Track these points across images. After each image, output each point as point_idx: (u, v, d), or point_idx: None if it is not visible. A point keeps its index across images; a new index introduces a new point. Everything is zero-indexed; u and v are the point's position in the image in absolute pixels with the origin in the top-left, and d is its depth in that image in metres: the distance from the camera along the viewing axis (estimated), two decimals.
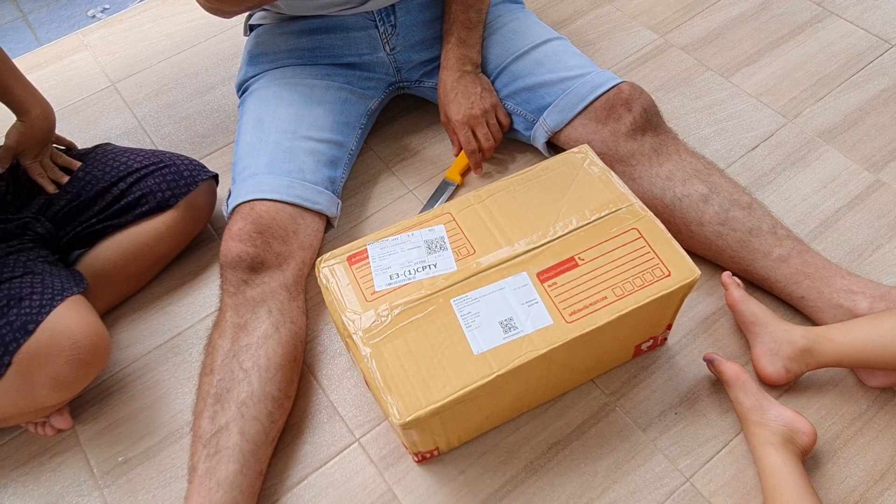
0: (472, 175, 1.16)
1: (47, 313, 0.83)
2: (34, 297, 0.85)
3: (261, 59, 1.12)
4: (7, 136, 0.97)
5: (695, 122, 1.20)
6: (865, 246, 1.03)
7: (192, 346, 1.01)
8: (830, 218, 1.06)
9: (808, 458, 0.85)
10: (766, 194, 1.09)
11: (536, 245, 0.83)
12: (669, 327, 0.92)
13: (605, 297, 0.79)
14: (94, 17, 2.09)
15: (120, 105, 1.32)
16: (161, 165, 1.03)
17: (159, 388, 0.97)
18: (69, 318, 0.84)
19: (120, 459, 0.91)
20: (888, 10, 1.35)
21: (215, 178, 1.10)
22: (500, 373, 0.75)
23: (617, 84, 1.04)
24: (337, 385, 0.96)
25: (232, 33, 1.43)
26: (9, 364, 0.81)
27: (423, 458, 0.88)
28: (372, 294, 0.82)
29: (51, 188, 1.00)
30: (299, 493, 0.87)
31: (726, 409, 0.89)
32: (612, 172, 0.90)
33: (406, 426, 0.74)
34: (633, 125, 1.02)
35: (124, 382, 0.98)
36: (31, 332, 0.81)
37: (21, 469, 0.91)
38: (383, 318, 0.79)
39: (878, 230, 1.04)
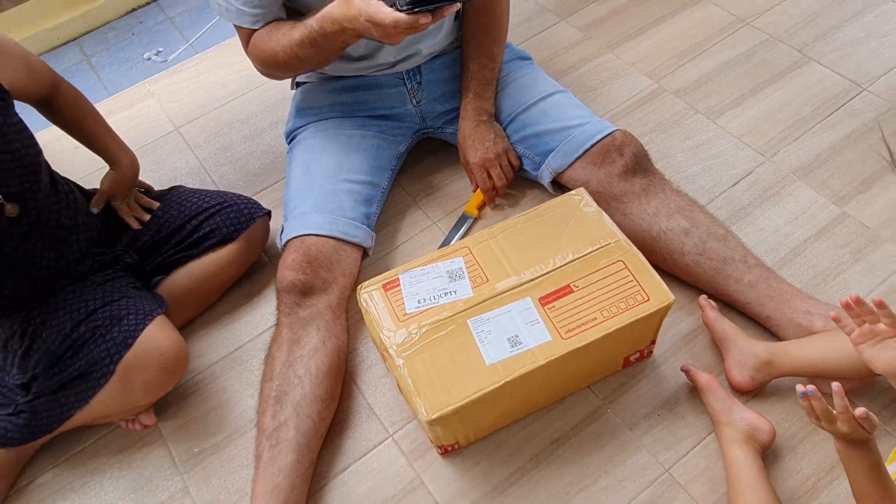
0: (488, 208, 1.33)
1: (141, 330, 1.03)
2: (129, 317, 1.04)
3: (306, 113, 1.31)
4: (102, 182, 1.17)
5: (683, 161, 1.37)
6: (829, 272, 1.18)
7: (251, 358, 1.20)
8: (799, 247, 1.22)
9: (770, 453, 1.00)
10: (743, 226, 1.25)
11: (539, 275, 1.01)
12: (653, 342, 1.09)
13: (595, 319, 0.97)
14: (149, 59, 2.33)
15: (183, 147, 1.53)
16: (225, 205, 1.23)
17: (225, 393, 1.16)
18: (158, 334, 1.04)
19: (196, 451, 1.11)
20: (861, 56, 1.50)
21: (268, 213, 1.29)
22: (508, 380, 0.93)
23: (611, 132, 1.21)
24: (374, 390, 1.14)
25: (278, 83, 1.63)
26: (113, 372, 1.01)
27: (445, 451, 1.06)
28: (403, 315, 1.00)
29: (136, 225, 1.20)
30: (344, 479, 1.06)
31: (701, 411, 1.06)
32: (604, 213, 1.07)
33: (432, 423, 0.92)
34: (624, 168, 1.19)
35: (197, 387, 1.17)
36: (129, 346, 1.01)
37: (116, 458, 1.11)
38: (413, 336, 0.98)
39: (841, 258, 1.19)
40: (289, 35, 1.07)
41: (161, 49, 2.37)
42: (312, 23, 1.02)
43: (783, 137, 1.39)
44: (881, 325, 0.80)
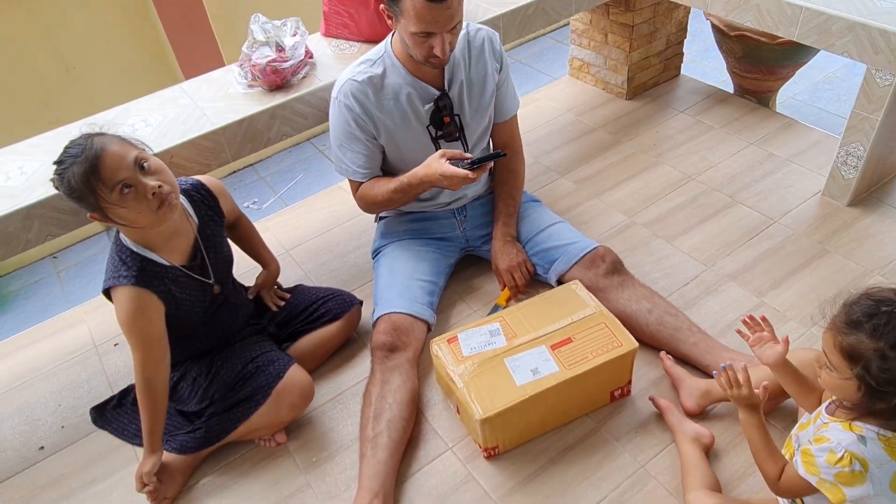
0: (513, 301, 1.89)
1: (288, 369, 1.56)
2: (279, 361, 1.58)
3: (388, 236, 1.93)
4: (257, 278, 1.76)
5: (649, 270, 1.95)
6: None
7: (349, 400, 1.70)
8: (731, 323, 1.75)
9: (711, 455, 1.47)
10: (692, 311, 1.79)
11: (550, 331, 1.56)
12: (630, 382, 1.60)
13: (587, 357, 1.49)
14: (247, 206, 3.03)
15: (293, 264, 2.14)
16: (333, 295, 1.80)
17: (332, 422, 1.66)
18: (298, 373, 1.57)
19: (314, 459, 1.58)
20: (773, 200, 2.13)
21: (361, 303, 1.86)
22: (532, 394, 1.44)
23: (596, 247, 1.81)
24: (437, 419, 1.63)
25: (359, 220, 2.26)
26: (269, 395, 1.52)
27: (489, 455, 1.53)
28: (462, 357, 1.53)
29: (275, 308, 1.77)
30: (418, 476, 1.52)
31: (664, 428, 1.54)
32: (591, 294, 1.64)
33: (483, 422, 1.42)
34: (606, 271, 1.77)
35: (313, 419, 1.67)
36: (281, 378, 1.54)
37: (257, 465, 1.59)
38: (468, 369, 1.50)
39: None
40: (386, 186, 1.72)
41: (256, 199, 3.10)
42: (403, 178, 1.67)
43: (719, 253, 1.97)
44: (765, 334, 1.32)
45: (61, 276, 2.90)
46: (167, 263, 1.44)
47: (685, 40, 2.75)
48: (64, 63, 2.71)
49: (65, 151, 1.29)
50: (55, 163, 1.29)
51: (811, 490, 1.16)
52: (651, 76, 2.73)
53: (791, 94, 3.30)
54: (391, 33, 1.69)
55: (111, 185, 1.27)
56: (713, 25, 2.69)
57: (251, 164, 3.39)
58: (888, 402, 1.04)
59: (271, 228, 2.30)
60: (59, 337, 2.02)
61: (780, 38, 2.45)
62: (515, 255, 1.86)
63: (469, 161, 1.53)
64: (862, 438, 1.08)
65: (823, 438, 1.13)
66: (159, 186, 1.32)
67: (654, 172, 2.32)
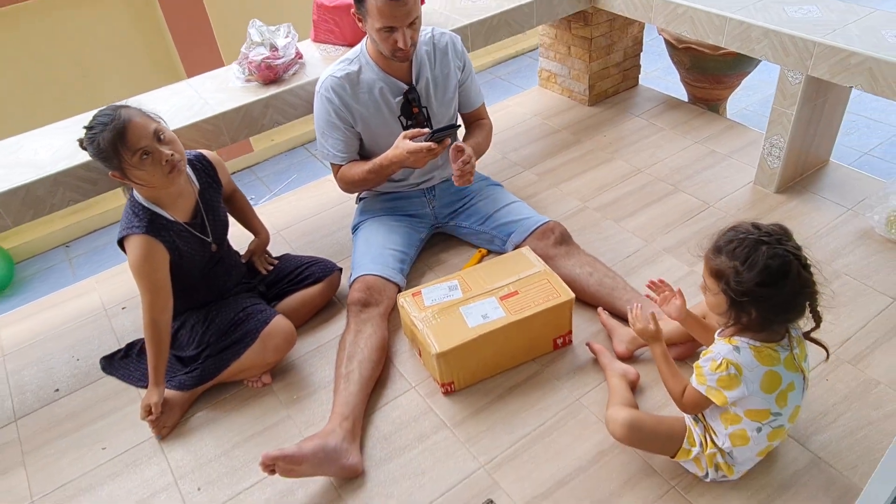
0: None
1: (274, 316, 1.80)
2: (266, 311, 1.82)
3: (365, 213, 2.19)
4: (250, 244, 2.02)
5: (598, 245, 2.20)
6: None
7: (327, 351, 1.94)
8: None
9: (637, 389, 1.71)
10: (632, 277, 2.04)
11: (499, 286, 1.81)
12: (570, 332, 1.84)
13: (530, 306, 1.74)
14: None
15: (283, 242, 2.39)
16: (317, 261, 2.05)
17: (312, 367, 1.89)
18: (282, 321, 1.81)
19: (294, 397, 1.82)
20: (710, 189, 2.40)
21: (340, 269, 2.11)
22: (482, 333, 1.68)
23: (547, 221, 2.07)
24: (403, 364, 1.87)
25: (343, 206, 2.52)
26: (257, 338, 1.77)
27: (446, 391, 1.77)
28: (423, 307, 1.78)
29: (264, 271, 2.02)
30: (385, 410, 1.76)
31: (598, 370, 1.78)
32: (538, 258, 1.89)
33: (439, 356, 1.66)
34: (555, 241, 2.03)
35: (295, 365, 1.91)
36: (268, 323, 1.78)
37: (245, 403, 1.82)
38: (429, 315, 1.75)
39: (689, 294, 1.97)
40: (362, 167, 1.99)
41: (253, 196, 3.35)
42: (375, 160, 1.94)
43: (659, 231, 2.23)
44: (667, 293, 1.58)
45: (73, 263, 3.15)
46: (172, 219, 1.70)
47: (652, 56, 3.05)
48: (81, 69, 3.00)
49: (95, 119, 1.56)
50: (86, 127, 1.56)
51: (706, 403, 1.40)
52: (611, 85, 3.02)
53: (744, 104, 3.60)
54: (366, 36, 1.97)
55: (133, 151, 1.54)
56: (665, 40, 2.99)
57: (249, 167, 3.67)
58: (748, 314, 1.29)
59: (265, 214, 2.55)
60: (72, 303, 2.27)
61: (723, 49, 2.75)
62: None
63: (429, 135, 1.80)
64: (736, 348, 1.33)
65: (709, 352, 1.38)
66: (171, 155, 1.59)
67: (608, 166, 2.60)
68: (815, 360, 1.70)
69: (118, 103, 1.60)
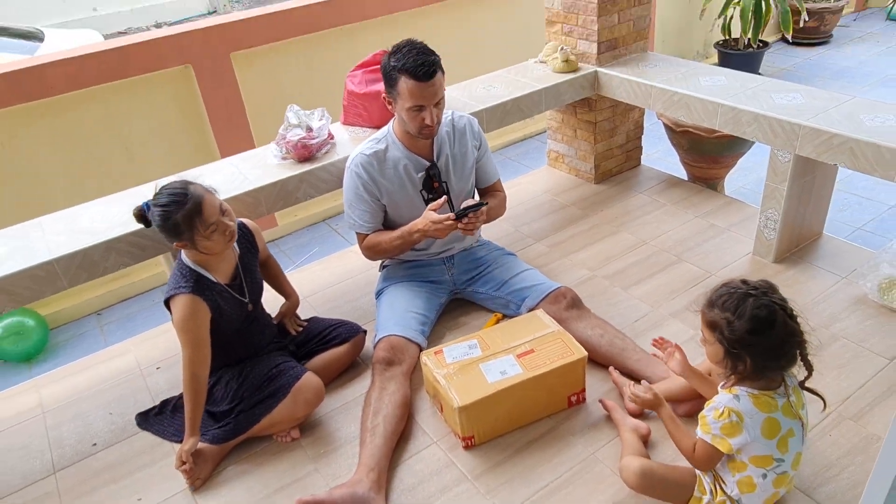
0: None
1: (304, 373, 1.92)
2: (297, 368, 1.95)
3: (389, 279, 2.34)
4: (281, 307, 2.17)
5: (606, 310, 2.33)
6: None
7: (353, 408, 2.04)
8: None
9: (649, 444, 1.80)
10: (639, 339, 2.16)
11: (516, 345, 1.93)
12: (584, 391, 1.95)
13: (546, 363, 1.86)
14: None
15: (310, 308, 2.54)
16: (344, 323, 2.19)
17: (338, 423, 1.99)
18: (311, 377, 1.93)
19: (321, 451, 1.91)
20: (711, 259, 2.55)
21: (365, 332, 2.24)
22: (500, 389, 1.80)
23: (559, 286, 2.21)
24: (425, 421, 1.97)
25: (367, 274, 2.68)
26: (289, 393, 1.88)
27: (467, 445, 1.86)
28: (445, 364, 1.90)
29: (294, 332, 2.15)
30: (409, 462, 1.84)
31: (611, 425, 1.87)
32: (552, 319, 2.02)
33: (460, 409, 1.77)
34: (567, 305, 2.16)
35: (322, 421, 2.00)
36: (299, 379, 1.90)
37: (274, 456, 1.91)
38: (450, 371, 1.87)
39: (692, 355, 2.08)
40: (389, 235, 2.16)
41: None
42: (403, 228, 2.11)
43: (664, 298, 2.37)
44: (670, 349, 1.70)
45: (104, 330, 3.29)
46: (215, 280, 1.85)
47: (652, 139, 3.28)
48: (128, 150, 3.26)
49: (164, 195, 1.73)
50: (158, 205, 1.73)
51: (716, 455, 1.49)
52: (615, 164, 3.24)
53: (740, 183, 3.81)
54: (392, 119, 2.19)
55: (207, 225, 1.72)
56: (664, 124, 3.23)
57: (273, 240, 3.86)
58: (744, 362, 1.41)
59: (292, 282, 2.71)
60: (109, 363, 2.39)
61: (717, 132, 2.97)
62: None
63: (457, 213, 1.98)
64: (736, 397, 1.45)
65: (711, 402, 1.49)
66: (232, 225, 1.78)
67: (614, 238, 2.77)
68: (819, 417, 1.80)
69: (183, 179, 1.79)
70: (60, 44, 4.71)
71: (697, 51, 5.73)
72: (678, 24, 5.47)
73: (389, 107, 2.09)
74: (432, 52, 1.99)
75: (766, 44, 5.22)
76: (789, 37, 5.41)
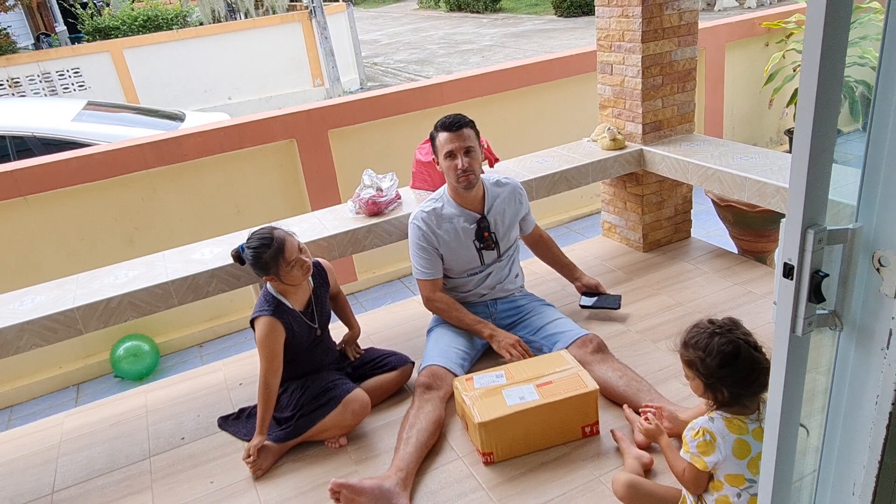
0: None
1: (354, 388, 2.27)
2: (349, 384, 2.30)
3: (438, 320, 2.68)
4: (344, 336, 2.55)
5: (633, 359, 2.54)
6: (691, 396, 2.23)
7: (395, 426, 2.33)
8: (688, 395, 2.29)
9: (651, 473, 1.98)
10: (661, 386, 2.35)
11: (537, 376, 2.19)
12: (597, 423, 2.16)
13: (560, 393, 2.11)
14: None
15: (370, 343, 2.90)
16: (395, 354, 2.54)
17: (382, 436, 2.30)
18: (361, 392, 2.27)
19: (364, 457, 2.22)
20: (744, 321, 2.71)
21: (413, 362, 2.57)
22: (518, 410, 2.06)
23: (586, 333, 2.47)
24: (455, 440, 2.24)
25: (423, 320, 3.03)
26: (340, 402, 2.23)
27: (486, 461, 2.11)
28: (473, 389, 2.19)
29: (352, 358, 2.52)
30: (435, 472, 2.11)
31: (620, 455, 2.06)
32: (575, 360, 2.28)
33: (480, 425, 2.04)
34: (593, 350, 2.41)
35: (367, 433, 2.32)
36: (349, 392, 2.25)
37: (323, 458, 2.24)
38: (476, 394, 2.15)
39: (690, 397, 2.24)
40: (457, 314, 2.53)
41: None
42: (472, 319, 2.49)
43: None
44: (651, 415, 1.91)
45: (203, 360, 3.81)
46: (291, 307, 2.27)
47: (711, 216, 3.50)
48: (236, 204, 3.88)
49: (255, 240, 2.20)
50: (250, 247, 2.19)
51: (701, 476, 1.68)
52: (664, 235, 3.47)
53: None
54: (446, 183, 2.59)
55: (289, 262, 2.17)
56: (712, 200, 3.45)
57: (352, 293, 4.31)
58: (721, 392, 1.62)
59: (360, 321, 3.12)
60: (202, 378, 2.85)
61: (758, 206, 3.16)
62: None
63: (595, 302, 2.52)
64: (711, 419, 1.65)
65: (691, 423, 1.69)
66: (308, 261, 2.21)
67: (653, 299, 2.98)
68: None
69: (270, 226, 2.27)
70: (196, 123, 5.61)
71: (770, 138, 5.87)
72: (748, 112, 5.67)
73: (438, 166, 2.51)
74: (464, 116, 2.45)
75: (839, 132, 5.30)
76: (860, 126, 5.46)
